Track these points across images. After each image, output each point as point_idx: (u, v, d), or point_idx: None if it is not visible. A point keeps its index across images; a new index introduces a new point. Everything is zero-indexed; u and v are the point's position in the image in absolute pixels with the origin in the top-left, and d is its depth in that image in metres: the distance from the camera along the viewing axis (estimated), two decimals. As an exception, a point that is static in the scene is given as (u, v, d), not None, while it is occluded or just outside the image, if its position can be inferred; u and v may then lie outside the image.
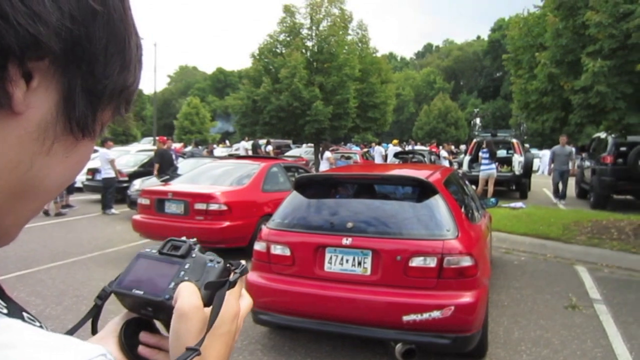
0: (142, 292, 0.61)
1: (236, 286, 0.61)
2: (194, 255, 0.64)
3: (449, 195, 4.15)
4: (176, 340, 0.56)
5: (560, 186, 13.31)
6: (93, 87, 0.42)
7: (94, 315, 0.65)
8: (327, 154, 15.70)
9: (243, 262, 0.64)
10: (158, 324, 0.65)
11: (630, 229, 7.93)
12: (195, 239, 0.66)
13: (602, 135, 12.17)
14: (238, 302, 0.62)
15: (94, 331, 0.65)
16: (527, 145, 21.30)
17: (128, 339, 0.63)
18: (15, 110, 0.38)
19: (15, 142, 0.39)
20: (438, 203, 3.93)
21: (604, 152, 11.76)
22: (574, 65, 6.89)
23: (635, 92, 6.42)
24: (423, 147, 26.51)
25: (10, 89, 0.37)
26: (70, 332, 0.56)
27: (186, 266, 0.62)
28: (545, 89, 7.35)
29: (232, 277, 0.61)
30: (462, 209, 4.28)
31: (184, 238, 0.66)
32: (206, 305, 0.58)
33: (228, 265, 0.64)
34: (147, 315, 0.64)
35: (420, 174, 4.41)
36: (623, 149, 11.20)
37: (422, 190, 4.07)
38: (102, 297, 0.64)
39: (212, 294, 0.59)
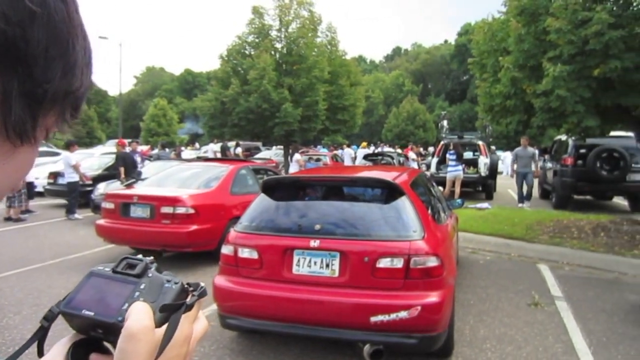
0: (92, 314, 0.57)
1: (193, 309, 0.59)
2: (150, 274, 0.61)
3: (416, 197, 4.20)
4: None
5: (525, 188, 12.95)
6: (32, 91, 0.40)
7: (40, 337, 0.60)
8: (297, 156, 15.70)
9: (202, 284, 0.62)
10: (109, 345, 0.63)
11: (590, 228, 8.22)
12: (152, 258, 0.63)
13: (563, 137, 12.58)
14: (192, 325, 0.60)
15: (40, 354, 0.61)
16: (493, 147, 21.82)
17: None
18: None
19: None
20: (405, 204, 3.97)
21: (565, 154, 12.17)
22: (536, 70, 7.10)
23: (593, 96, 6.68)
24: (392, 149, 26.79)
25: None
26: (14, 356, 0.53)
27: (141, 286, 0.59)
28: (508, 92, 7.56)
29: (189, 299, 0.59)
30: (429, 210, 4.34)
31: (140, 256, 0.63)
32: (159, 327, 0.56)
33: (186, 286, 0.61)
34: (97, 337, 0.60)
35: (388, 175, 4.46)
36: (583, 151, 11.62)
37: (389, 192, 4.11)
38: (49, 318, 0.59)
39: (168, 317, 0.57)
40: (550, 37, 6.61)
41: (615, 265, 6.67)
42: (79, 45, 0.44)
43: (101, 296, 0.59)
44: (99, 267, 0.63)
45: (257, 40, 21.58)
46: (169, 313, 0.57)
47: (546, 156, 14.51)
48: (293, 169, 14.82)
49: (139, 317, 0.54)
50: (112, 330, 0.56)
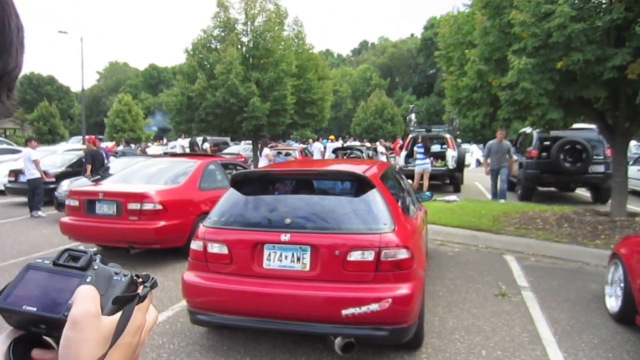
0: (35, 309, 0.54)
1: (145, 300, 0.59)
2: (95, 267, 0.58)
3: (386, 190, 4.21)
4: (66, 349, 0.51)
5: (499, 184, 12.05)
6: None
7: None
8: (266, 150, 15.57)
9: (152, 276, 0.62)
10: (50, 340, 0.58)
11: (554, 219, 8.45)
12: (95, 249, 0.61)
13: (528, 130, 12.88)
14: (144, 315, 0.59)
15: None
16: (459, 140, 22.20)
17: (18, 359, 0.56)
18: None
19: None
20: (375, 197, 3.97)
21: (530, 146, 12.47)
22: (501, 63, 7.22)
23: (556, 88, 6.83)
24: (359, 143, 26.94)
25: None
26: None
27: (87, 279, 0.56)
28: (475, 85, 7.66)
29: (142, 291, 0.59)
30: (399, 203, 4.36)
31: (82, 247, 0.61)
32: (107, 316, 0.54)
33: (135, 277, 0.60)
34: (38, 333, 0.57)
35: (358, 168, 4.45)
36: (547, 143, 11.94)
37: (359, 185, 4.10)
38: None
39: (119, 309, 0.56)
40: (515, 29, 6.72)
41: (578, 255, 6.87)
42: (13, 23, 0.41)
43: (43, 291, 0.56)
44: (37, 260, 0.59)
45: (222, 34, 21.23)
46: (122, 305, 0.56)
47: (512, 149, 14.79)
48: (262, 163, 14.71)
49: (84, 304, 0.53)
50: (58, 325, 0.54)
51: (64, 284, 0.56)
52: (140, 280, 0.61)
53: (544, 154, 12.04)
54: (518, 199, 12.63)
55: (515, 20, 6.61)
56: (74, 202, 6.83)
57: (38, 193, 10.57)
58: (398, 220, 3.90)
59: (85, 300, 0.53)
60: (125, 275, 0.59)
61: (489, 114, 8.12)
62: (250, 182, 4.37)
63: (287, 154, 19.19)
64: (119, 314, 0.55)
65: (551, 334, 4.36)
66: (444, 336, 4.32)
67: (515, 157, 13.02)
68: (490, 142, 12.40)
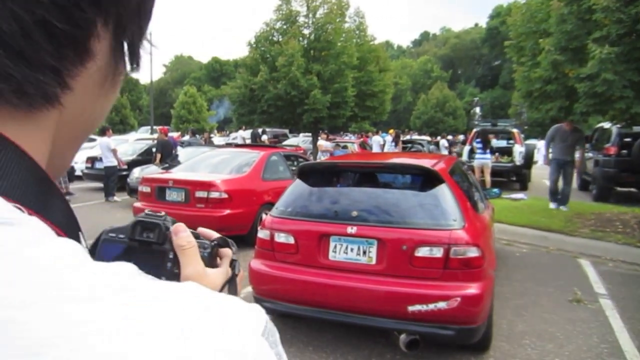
0: None
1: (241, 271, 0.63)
2: (172, 239, 0.54)
3: (455, 185, 4.08)
4: None
5: (561, 184, 9.62)
6: (144, 20, 0.40)
7: None
8: (320, 141, 15.57)
9: (230, 240, 0.63)
10: None
11: (635, 222, 7.84)
12: (164, 213, 0.56)
13: (606, 125, 12.03)
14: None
15: None
16: (522, 136, 21.17)
17: None
18: (89, 64, 0.36)
19: (82, 92, 0.37)
20: (444, 192, 3.86)
21: (607, 142, 11.63)
22: (579, 52, 6.78)
23: (642, 80, 6.32)
24: (420, 137, 26.42)
25: (94, 46, 0.35)
26: None
27: (170, 255, 0.53)
28: (549, 76, 7.26)
29: (237, 270, 0.60)
30: (468, 199, 4.21)
31: (150, 212, 0.56)
32: None
33: (215, 244, 0.59)
34: None
35: (425, 162, 4.33)
36: (627, 139, 11.04)
37: (427, 179, 4.00)
38: None
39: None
40: (596, 16, 6.26)
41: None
42: None
43: None
44: (110, 234, 0.55)
45: (284, 26, 21.45)
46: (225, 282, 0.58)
47: (587, 145, 13.71)
48: (323, 155, 14.72)
49: (193, 264, 0.54)
50: None
51: (146, 260, 0.51)
52: (217, 243, 0.60)
53: (624, 151, 11.16)
54: (593, 199, 11.82)
55: (597, 6, 6.17)
56: (146, 189, 7.16)
57: (113, 180, 11.24)
58: (468, 217, 3.77)
59: (193, 261, 0.53)
60: (205, 248, 0.57)
61: (564, 108, 7.66)
62: (316, 174, 4.37)
63: (345, 147, 19.14)
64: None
65: (635, 347, 4.03)
66: (513, 340, 4.14)
67: (590, 153, 12.13)
68: (556, 126, 9.39)
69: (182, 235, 0.53)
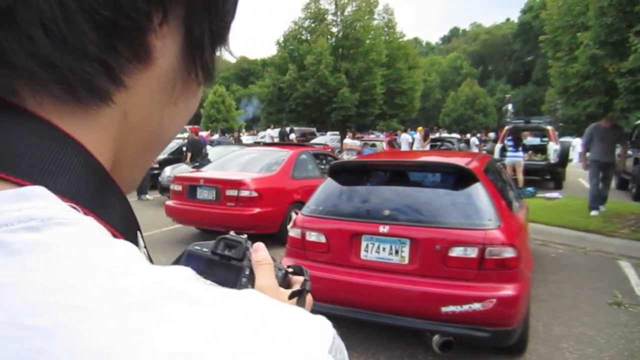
0: None
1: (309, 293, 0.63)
2: (251, 258, 0.58)
3: (490, 184, 3.99)
4: None
5: (602, 187, 8.69)
6: (216, 26, 0.38)
7: None
8: (346, 140, 15.50)
9: (304, 267, 0.65)
10: None
11: (679, 223, 7.54)
12: (246, 236, 0.60)
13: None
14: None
15: None
16: (556, 133, 20.56)
17: None
18: (151, 63, 0.34)
19: (148, 96, 0.36)
20: (479, 191, 3.78)
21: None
22: (620, 46, 6.53)
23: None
24: (448, 135, 26.01)
25: (152, 41, 0.33)
26: None
27: (246, 272, 0.56)
28: (587, 71, 7.04)
29: (307, 285, 0.61)
30: (503, 198, 4.11)
31: (233, 234, 0.61)
32: None
33: (288, 269, 0.63)
34: None
35: (459, 160, 4.26)
36: None
37: (461, 178, 3.92)
38: None
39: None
40: (639, 8, 6.02)
41: None
42: None
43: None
44: (195, 247, 0.59)
45: (313, 25, 21.50)
46: (296, 298, 0.58)
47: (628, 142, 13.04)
48: (350, 154, 14.66)
49: (266, 277, 0.55)
50: None
51: (222, 276, 0.56)
52: (291, 270, 0.63)
53: None
54: (632, 199, 11.33)
55: (640, -2, 5.94)
56: (178, 187, 7.27)
57: (145, 178, 11.42)
58: (503, 216, 3.69)
59: (266, 274, 0.55)
60: (280, 270, 0.60)
61: (604, 104, 7.40)
62: (348, 172, 4.35)
63: (373, 145, 19.01)
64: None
65: (679, 351, 3.88)
66: (550, 344, 4.02)
67: (630, 151, 11.48)
68: (593, 125, 8.44)
69: (261, 253, 0.57)
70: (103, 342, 0.24)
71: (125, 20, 0.31)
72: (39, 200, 0.28)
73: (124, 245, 0.30)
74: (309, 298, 0.61)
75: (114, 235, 0.32)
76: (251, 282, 0.56)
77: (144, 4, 0.31)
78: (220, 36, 0.40)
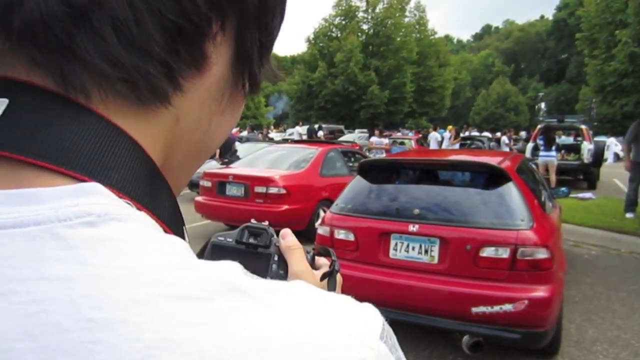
0: None
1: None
2: (277, 243, 0.59)
3: (522, 183, 3.92)
4: None
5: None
6: (265, 39, 0.39)
7: None
8: (372, 138, 15.39)
9: (329, 248, 0.65)
10: None
11: None
12: (268, 222, 0.61)
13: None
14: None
15: None
16: (590, 132, 19.95)
17: None
18: (206, 69, 0.35)
19: (198, 103, 0.37)
20: (511, 191, 3.73)
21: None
22: (661, 44, 6.33)
23: None
24: (479, 134, 25.56)
25: (208, 49, 0.34)
26: None
27: (275, 257, 0.57)
28: (625, 70, 6.82)
29: (336, 265, 0.62)
30: (536, 198, 4.04)
31: (255, 222, 0.61)
32: None
33: (315, 252, 0.64)
34: None
35: (491, 159, 4.20)
36: None
37: (493, 177, 3.87)
38: None
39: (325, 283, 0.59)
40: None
41: None
42: None
43: None
44: (218, 238, 0.59)
45: (343, 22, 21.46)
46: (327, 279, 0.60)
47: None
48: (376, 153, 14.58)
49: (298, 262, 0.57)
50: None
51: (252, 264, 0.55)
52: (318, 252, 0.64)
53: None
54: None
55: (682, -6, 5.73)
56: (207, 183, 7.37)
57: (175, 174, 11.67)
58: (536, 216, 3.62)
59: (297, 259, 0.57)
60: (308, 252, 0.60)
61: (642, 103, 7.17)
62: (377, 170, 4.34)
63: (402, 143, 18.86)
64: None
65: None
66: (583, 347, 3.94)
67: None
68: (638, 121, 7.93)
69: (290, 239, 0.58)
70: (162, 334, 0.25)
71: (188, 24, 0.32)
72: (95, 196, 0.29)
73: (176, 240, 0.31)
74: (339, 278, 0.62)
75: (165, 231, 0.33)
76: (281, 267, 0.56)
77: (207, 9, 0.33)
78: (268, 49, 0.40)
